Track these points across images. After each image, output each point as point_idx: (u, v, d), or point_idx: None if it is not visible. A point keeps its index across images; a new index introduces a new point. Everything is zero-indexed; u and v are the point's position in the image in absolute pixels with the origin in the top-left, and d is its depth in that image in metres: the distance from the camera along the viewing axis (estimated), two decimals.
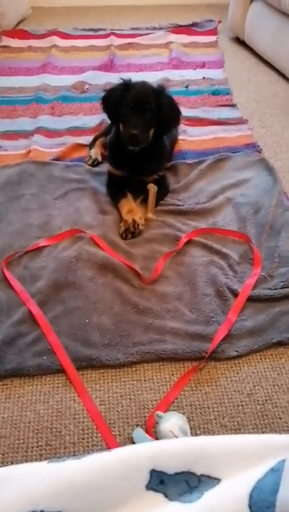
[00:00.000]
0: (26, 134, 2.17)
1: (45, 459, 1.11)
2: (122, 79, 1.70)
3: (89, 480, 0.54)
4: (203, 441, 0.59)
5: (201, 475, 0.55)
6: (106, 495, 0.53)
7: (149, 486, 0.55)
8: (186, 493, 0.54)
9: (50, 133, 2.17)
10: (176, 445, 0.59)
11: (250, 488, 0.50)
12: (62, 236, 1.61)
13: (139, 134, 1.60)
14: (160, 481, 0.55)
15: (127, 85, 1.67)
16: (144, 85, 1.69)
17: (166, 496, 0.54)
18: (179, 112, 1.73)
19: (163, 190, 1.79)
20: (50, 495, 0.52)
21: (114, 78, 2.44)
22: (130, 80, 1.70)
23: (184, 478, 0.55)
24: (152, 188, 1.71)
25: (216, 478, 0.55)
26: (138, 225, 1.63)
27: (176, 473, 0.55)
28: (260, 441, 0.58)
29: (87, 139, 2.10)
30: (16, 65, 2.79)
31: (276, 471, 0.50)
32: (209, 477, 0.55)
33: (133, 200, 1.72)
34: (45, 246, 1.58)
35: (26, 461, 1.10)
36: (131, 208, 1.68)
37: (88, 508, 0.52)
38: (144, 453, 0.58)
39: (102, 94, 1.75)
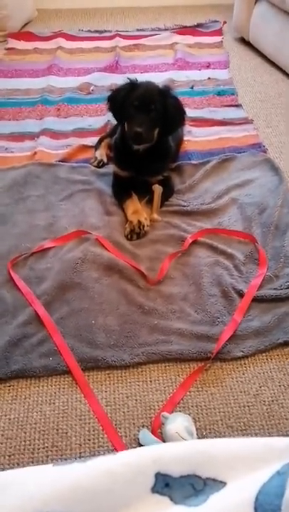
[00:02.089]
0: (32, 136, 2.18)
1: (52, 460, 1.11)
2: (128, 78, 1.71)
3: (94, 483, 0.54)
4: (208, 444, 0.59)
5: (207, 478, 0.55)
6: (111, 498, 0.53)
7: (155, 489, 0.54)
8: (192, 497, 0.53)
9: (55, 134, 2.18)
10: (181, 448, 0.59)
11: (256, 491, 0.49)
12: (67, 237, 1.62)
13: (144, 132, 1.60)
14: (165, 484, 0.55)
15: (133, 85, 1.68)
16: (150, 85, 1.70)
17: (171, 499, 0.54)
18: (184, 113, 1.73)
19: (168, 191, 1.79)
20: (54, 499, 0.52)
21: (119, 79, 2.44)
22: (136, 80, 1.70)
23: (189, 481, 0.55)
24: (157, 189, 1.71)
25: (221, 482, 0.54)
26: (143, 226, 1.63)
27: (182, 476, 0.55)
28: (266, 444, 0.57)
29: (92, 141, 2.10)
30: (21, 66, 2.80)
31: (282, 475, 0.50)
32: (215, 480, 0.55)
33: (138, 201, 1.72)
34: (51, 247, 1.59)
35: (33, 462, 1.10)
36: (136, 209, 1.68)
37: (94, 510, 0.52)
38: (149, 456, 0.57)
39: (108, 94, 1.76)
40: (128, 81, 1.70)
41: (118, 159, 1.82)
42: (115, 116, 1.78)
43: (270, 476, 0.51)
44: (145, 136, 1.62)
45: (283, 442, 0.56)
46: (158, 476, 0.55)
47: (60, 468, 0.58)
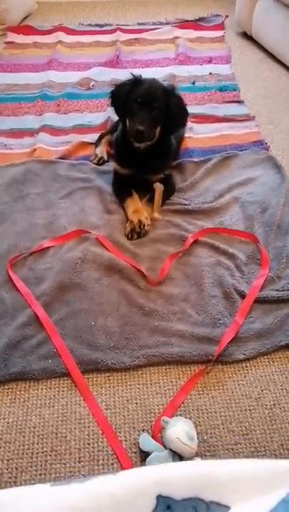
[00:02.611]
0: (31, 132, 2.15)
1: (50, 464, 1.10)
2: (132, 74, 1.68)
3: (93, 506, 0.52)
4: (211, 465, 0.57)
5: (210, 502, 0.53)
6: None
7: None
8: None
9: (55, 131, 2.15)
10: (184, 470, 0.57)
11: None
12: (67, 237, 1.60)
13: (145, 130, 1.57)
14: (167, 507, 0.53)
15: (136, 81, 1.65)
16: (154, 82, 1.67)
17: None
18: (186, 113, 1.71)
19: (169, 190, 1.76)
20: None
21: (120, 74, 2.42)
22: (140, 76, 1.67)
23: (191, 504, 0.53)
24: (158, 187, 1.68)
25: (225, 506, 0.52)
26: (144, 226, 1.61)
27: (184, 499, 0.53)
28: (271, 466, 0.55)
29: (92, 137, 2.07)
30: (21, 61, 2.76)
31: (287, 503, 0.48)
32: (218, 504, 0.53)
33: (139, 200, 1.69)
34: (50, 247, 1.57)
35: (31, 467, 1.09)
36: (137, 208, 1.65)
37: None
38: (150, 477, 0.56)
39: (111, 89, 1.73)
40: (132, 76, 1.67)
41: (119, 157, 1.79)
42: (117, 112, 1.75)
43: (275, 503, 0.49)
44: (146, 134, 1.60)
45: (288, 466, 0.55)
46: (159, 498, 0.54)
47: (58, 488, 0.56)
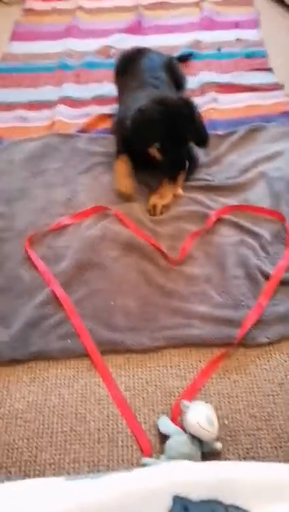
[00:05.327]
0: (50, 104, 2.08)
1: (70, 444, 1.10)
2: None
3: (107, 504, 0.50)
4: (232, 468, 0.55)
5: (229, 505, 0.51)
6: None
7: None
8: None
9: (74, 102, 2.08)
10: (203, 470, 0.55)
11: None
12: (85, 213, 1.56)
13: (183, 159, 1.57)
14: (184, 508, 0.51)
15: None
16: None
17: None
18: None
19: (192, 164, 1.69)
20: None
21: (141, 41, 2.32)
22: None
23: (210, 507, 0.50)
24: None
25: (245, 511, 0.50)
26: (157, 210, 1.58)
27: (202, 501, 0.51)
28: None
29: (112, 108, 2.00)
30: (39, 29, 2.67)
31: None
32: (238, 508, 0.50)
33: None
34: (69, 224, 1.53)
35: (51, 446, 1.09)
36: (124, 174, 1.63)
37: None
38: (166, 476, 0.53)
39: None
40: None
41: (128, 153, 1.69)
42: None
43: None
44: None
45: None
46: (176, 498, 0.51)
47: (72, 483, 0.55)
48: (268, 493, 0.50)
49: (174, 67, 1.98)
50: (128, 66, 1.93)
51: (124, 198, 1.61)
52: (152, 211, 1.56)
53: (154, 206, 1.57)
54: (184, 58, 2.29)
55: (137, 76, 1.82)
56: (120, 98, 1.94)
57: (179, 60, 2.17)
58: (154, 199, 1.58)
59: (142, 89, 1.72)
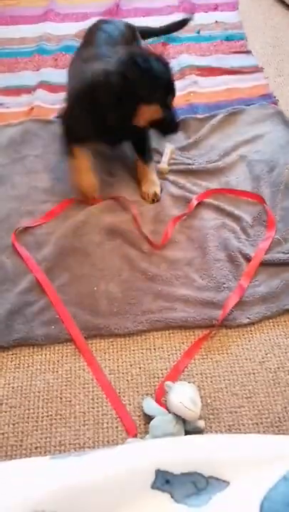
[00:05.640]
0: (28, 89, 2.05)
1: (55, 428, 1.12)
2: None
3: (91, 480, 0.52)
4: (211, 441, 0.56)
5: (209, 477, 0.53)
6: (110, 495, 0.51)
7: (155, 486, 0.52)
8: (193, 495, 0.51)
9: (53, 87, 2.05)
10: (183, 445, 0.56)
11: (261, 497, 0.47)
12: (68, 202, 1.55)
13: None
14: (166, 481, 0.53)
15: None
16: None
17: (172, 497, 0.52)
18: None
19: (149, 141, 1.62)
20: (50, 496, 0.50)
21: None
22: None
23: (191, 479, 0.52)
24: (170, 148, 1.66)
25: (224, 481, 0.52)
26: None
27: (183, 474, 0.53)
28: (271, 444, 0.54)
29: None
30: (16, 13, 2.61)
31: (288, 480, 0.47)
32: (218, 479, 0.52)
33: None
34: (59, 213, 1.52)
35: (37, 431, 1.11)
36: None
37: (92, 507, 0.51)
38: (148, 452, 0.55)
39: None
40: None
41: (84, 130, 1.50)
42: None
43: (276, 481, 0.48)
44: None
45: None
46: (158, 472, 0.53)
47: (57, 462, 0.56)
48: (246, 464, 0.52)
49: (135, 40, 1.82)
50: (85, 41, 1.75)
51: (88, 199, 1.53)
52: (155, 199, 1.55)
53: (155, 194, 1.55)
54: (182, 23, 2.27)
55: (91, 50, 1.61)
56: (69, 76, 1.69)
57: (178, 26, 2.21)
58: (153, 187, 1.56)
59: (93, 63, 1.48)
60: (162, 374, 1.20)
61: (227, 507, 0.48)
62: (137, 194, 1.58)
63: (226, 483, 0.52)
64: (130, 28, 1.84)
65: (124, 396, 1.16)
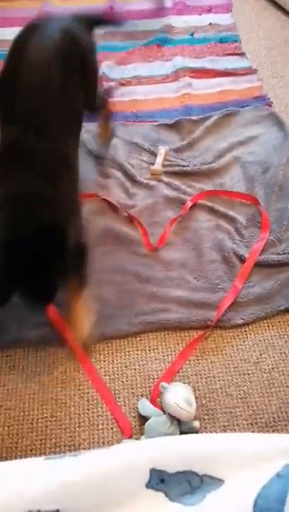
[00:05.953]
0: None
1: (51, 429, 1.12)
2: None
3: (87, 480, 0.52)
4: (205, 440, 0.57)
5: (204, 475, 0.53)
6: (105, 495, 0.52)
7: (149, 485, 0.53)
8: (188, 494, 0.52)
9: None
10: (178, 444, 0.57)
11: (255, 494, 0.47)
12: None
13: None
14: (160, 480, 0.53)
15: None
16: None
17: (166, 496, 0.52)
18: None
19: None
20: (46, 495, 0.50)
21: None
22: None
23: (185, 477, 0.53)
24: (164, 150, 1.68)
25: (219, 479, 0.52)
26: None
27: (178, 472, 0.53)
28: (266, 442, 0.55)
29: None
30: (10, 14, 2.62)
31: (282, 477, 0.48)
32: (212, 477, 0.53)
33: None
34: None
35: (32, 433, 1.11)
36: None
37: (87, 507, 0.51)
38: (143, 451, 0.55)
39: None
40: None
41: None
42: None
43: (269, 477, 0.49)
44: None
45: (284, 440, 0.54)
46: (153, 471, 0.54)
47: (52, 462, 0.56)
48: (240, 462, 0.53)
49: (85, 55, 1.30)
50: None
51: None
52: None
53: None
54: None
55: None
56: None
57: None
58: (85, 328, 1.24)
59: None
60: (157, 375, 1.20)
61: (221, 505, 0.49)
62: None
63: (221, 481, 0.52)
64: (71, 34, 1.26)
65: (119, 397, 1.17)
